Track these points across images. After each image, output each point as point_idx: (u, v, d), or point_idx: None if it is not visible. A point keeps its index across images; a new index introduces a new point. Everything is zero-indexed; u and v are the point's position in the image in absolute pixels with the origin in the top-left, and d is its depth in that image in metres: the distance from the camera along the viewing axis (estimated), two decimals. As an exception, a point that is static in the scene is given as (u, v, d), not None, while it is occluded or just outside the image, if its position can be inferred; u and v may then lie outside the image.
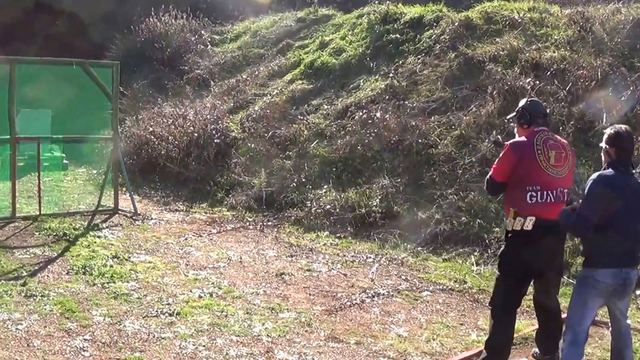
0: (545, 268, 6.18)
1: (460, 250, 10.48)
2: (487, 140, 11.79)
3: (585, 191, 5.46)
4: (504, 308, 6.20)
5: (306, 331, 7.21)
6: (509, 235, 6.18)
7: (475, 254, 10.29)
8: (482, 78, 13.08)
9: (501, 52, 13.26)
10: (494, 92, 12.50)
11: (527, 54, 12.91)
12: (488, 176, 6.37)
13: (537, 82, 12.17)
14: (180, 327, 7.04)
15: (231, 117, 15.55)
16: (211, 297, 8.06)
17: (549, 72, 12.36)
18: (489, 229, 10.65)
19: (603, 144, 5.61)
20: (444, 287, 9.04)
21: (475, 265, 9.98)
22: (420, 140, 12.54)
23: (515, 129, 6.50)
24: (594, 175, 5.49)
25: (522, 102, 6.51)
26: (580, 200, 5.54)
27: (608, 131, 5.64)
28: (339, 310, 7.93)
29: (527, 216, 5.98)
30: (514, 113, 6.52)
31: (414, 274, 9.56)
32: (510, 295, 6.18)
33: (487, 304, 6.59)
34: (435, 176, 11.92)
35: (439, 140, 12.42)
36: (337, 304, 8.14)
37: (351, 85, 14.83)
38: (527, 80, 12.28)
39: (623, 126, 5.72)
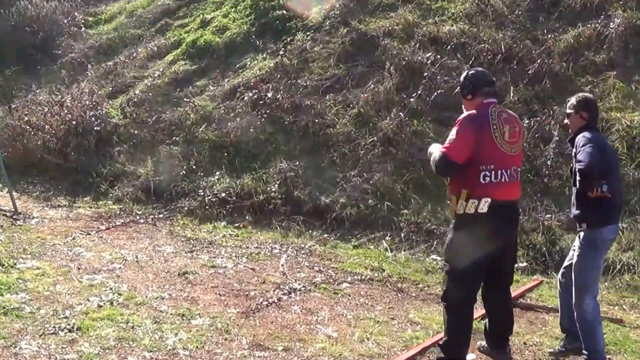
0: (500, 254, 5.60)
1: (371, 235, 9.95)
2: (388, 118, 11.26)
3: (583, 148, 5.56)
4: (461, 304, 5.59)
5: (226, 339, 6.41)
6: (460, 219, 5.56)
7: (387, 238, 9.80)
8: (377, 54, 12.54)
9: (396, 27, 12.74)
10: (392, 68, 11.97)
11: (424, 28, 12.42)
12: (440, 155, 5.53)
13: (438, 56, 11.70)
14: (84, 345, 6.09)
15: (111, 102, 14.45)
16: (112, 305, 7.11)
17: (448, 47, 11.91)
18: (397, 211, 10.19)
19: (571, 110, 5.98)
20: (363, 277, 8.45)
21: (389, 251, 9.45)
22: (316, 120, 11.89)
23: (463, 105, 5.82)
24: (584, 136, 5.67)
25: (463, 74, 5.90)
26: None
27: (576, 98, 6.04)
28: (256, 311, 7.18)
29: (482, 198, 5.38)
30: (458, 87, 5.91)
31: (327, 264, 8.93)
32: (467, 289, 5.59)
33: (440, 300, 5.89)
34: (335, 158, 11.31)
35: (336, 120, 11.81)
36: (252, 304, 7.38)
37: (238, 65, 13.99)
38: (427, 55, 11.79)
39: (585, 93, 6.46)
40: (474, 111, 5.57)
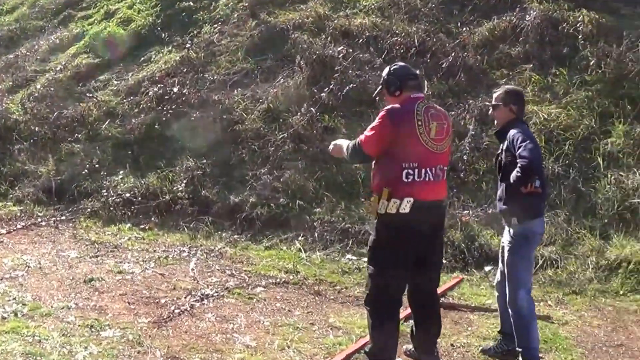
0: (425, 256, 5.38)
1: (283, 236, 9.62)
2: (298, 114, 10.98)
3: (524, 144, 5.40)
4: (386, 307, 5.33)
5: (138, 352, 5.99)
6: (382, 220, 5.29)
7: (300, 239, 9.48)
8: (287, 47, 12.26)
9: (306, 20, 12.50)
10: (302, 62, 11.68)
11: (336, 21, 12.23)
12: (356, 142, 5.40)
13: (350, 50, 11.49)
14: (-13, 362, 5.62)
15: (11, 97, 13.81)
16: (16, 317, 6.60)
17: (360, 40, 11.72)
18: (310, 210, 9.90)
19: (499, 102, 5.82)
20: (277, 280, 8.11)
21: (303, 252, 9.13)
22: (224, 116, 11.54)
23: (388, 103, 5.52)
24: (519, 132, 5.53)
25: (385, 71, 5.61)
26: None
27: (505, 90, 5.93)
28: (169, 320, 6.77)
29: (404, 197, 5.13)
30: (379, 87, 5.63)
31: (239, 267, 8.58)
32: (391, 291, 5.33)
33: (363, 303, 5.63)
34: (244, 155, 10.97)
35: (245, 115, 11.46)
36: (163, 312, 6.97)
37: (142, 58, 13.52)
38: (338, 49, 11.55)
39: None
40: (397, 105, 5.31)
